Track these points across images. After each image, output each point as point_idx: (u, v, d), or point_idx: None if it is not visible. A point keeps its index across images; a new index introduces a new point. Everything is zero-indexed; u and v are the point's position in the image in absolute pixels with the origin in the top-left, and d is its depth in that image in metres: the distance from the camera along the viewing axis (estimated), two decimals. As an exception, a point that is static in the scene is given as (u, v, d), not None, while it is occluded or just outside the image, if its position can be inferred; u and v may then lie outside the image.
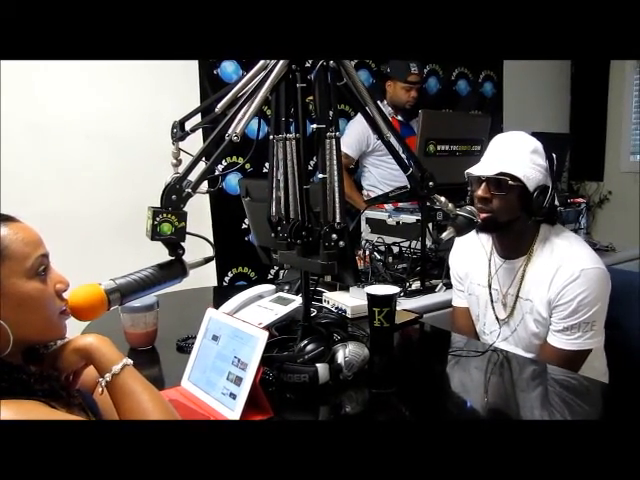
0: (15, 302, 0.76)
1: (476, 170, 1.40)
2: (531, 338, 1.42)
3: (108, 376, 0.81)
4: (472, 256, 1.56)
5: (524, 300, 1.42)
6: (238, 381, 1.01)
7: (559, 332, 1.35)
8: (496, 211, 1.37)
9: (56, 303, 0.82)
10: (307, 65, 1.06)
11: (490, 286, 1.49)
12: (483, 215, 1.37)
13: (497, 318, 1.49)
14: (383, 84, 2.99)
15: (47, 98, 2.36)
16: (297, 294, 1.48)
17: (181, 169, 0.98)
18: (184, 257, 0.96)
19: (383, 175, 2.92)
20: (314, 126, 1.00)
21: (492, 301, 1.50)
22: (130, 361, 0.83)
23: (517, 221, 1.39)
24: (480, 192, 1.38)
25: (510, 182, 1.34)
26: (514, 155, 1.36)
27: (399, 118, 2.96)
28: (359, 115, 2.92)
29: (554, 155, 1.40)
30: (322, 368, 1.10)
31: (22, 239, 0.78)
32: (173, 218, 0.91)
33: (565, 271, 1.33)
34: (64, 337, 0.85)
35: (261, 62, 1.07)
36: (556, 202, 1.44)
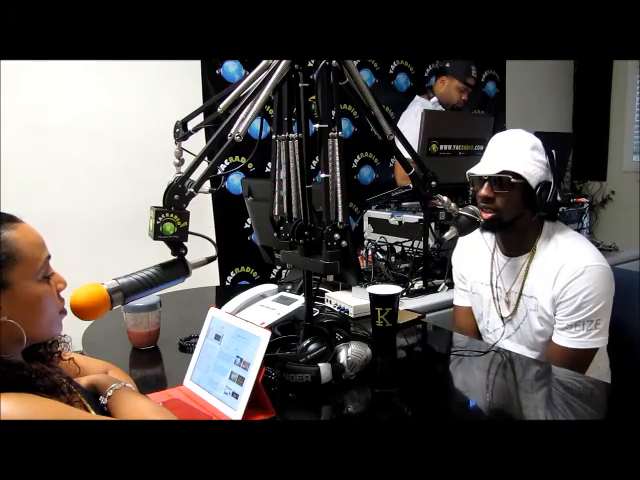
0: (26, 303, 0.78)
1: (477, 170, 1.41)
2: (535, 336, 1.42)
3: (110, 391, 0.88)
4: (475, 254, 1.56)
5: (528, 297, 1.42)
6: (240, 381, 1.01)
7: (563, 330, 1.35)
8: (500, 209, 1.38)
9: (57, 303, 0.84)
10: (309, 65, 1.06)
11: (493, 284, 1.49)
12: (487, 214, 1.38)
13: (501, 316, 1.49)
14: (435, 78, 2.92)
15: (49, 98, 2.36)
16: (299, 294, 1.48)
17: (184, 169, 0.98)
18: (186, 257, 0.96)
19: None
20: (316, 126, 1.00)
21: (495, 299, 1.50)
22: (131, 386, 0.93)
23: (521, 218, 1.40)
24: (483, 191, 1.38)
25: (512, 180, 1.35)
26: (514, 153, 1.37)
27: None
28: (408, 117, 2.75)
29: (553, 151, 1.40)
30: (324, 368, 1.10)
31: (31, 242, 0.79)
32: (175, 218, 0.91)
33: (569, 267, 1.33)
34: (60, 334, 0.88)
35: (263, 62, 1.07)
36: (558, 198, 1.44)
